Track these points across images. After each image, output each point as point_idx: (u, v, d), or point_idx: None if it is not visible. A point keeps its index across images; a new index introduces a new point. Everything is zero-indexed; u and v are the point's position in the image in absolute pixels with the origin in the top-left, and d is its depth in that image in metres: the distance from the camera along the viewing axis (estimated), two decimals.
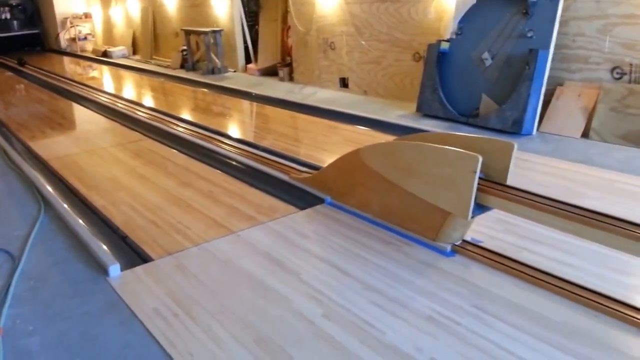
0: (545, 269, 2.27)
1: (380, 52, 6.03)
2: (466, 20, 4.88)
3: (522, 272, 2.26)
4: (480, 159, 2.24)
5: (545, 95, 4.44)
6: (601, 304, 2.01)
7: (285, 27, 7.87)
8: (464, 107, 4.82)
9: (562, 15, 4.24)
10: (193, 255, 2.57)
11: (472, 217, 2.38)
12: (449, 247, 2.50)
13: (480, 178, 2.44)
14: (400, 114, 5.26)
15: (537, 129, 4.37)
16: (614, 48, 4.06)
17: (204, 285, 2.29)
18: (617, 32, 4.03)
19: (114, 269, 2.39)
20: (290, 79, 7.52)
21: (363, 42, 6.18)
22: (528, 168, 3.57)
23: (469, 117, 4.71)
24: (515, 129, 4.28)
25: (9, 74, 10.21)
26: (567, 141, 4.12)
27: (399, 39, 5.78)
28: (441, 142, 2.59)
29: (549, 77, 4.44)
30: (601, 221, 1.96)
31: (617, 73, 4.05)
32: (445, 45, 4.97)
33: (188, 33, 9.11)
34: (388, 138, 4.49)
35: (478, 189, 2.33)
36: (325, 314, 2.06)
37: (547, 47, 4.19)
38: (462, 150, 2.32)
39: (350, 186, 2.99)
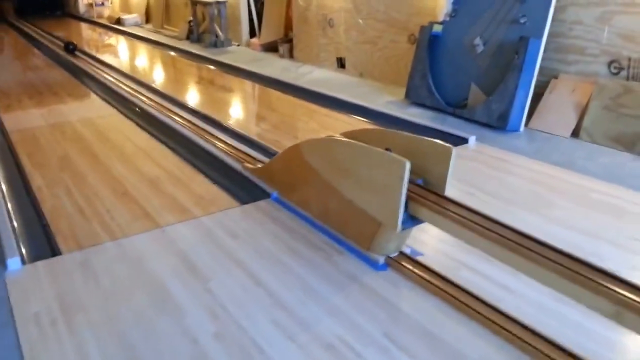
0: (479, 293, 1.98)
1: (376, 32, 5.66)
2: (461, 1, 4.47)
3: (451, 295, 1.99)
4: (408, 164, 1.94)
5: (538, 87, 4.05)
6: (527, 343, 1.73)
7: (291, 1, 7.51)
8: (453, 96, 4.46)
9: (559, 0, 3.82)
10: (104, 251, 2.35)
11: (403, 229, 2.11)
12: (381, 260, 2.24)
13: (417, 185, 2.15)
14: (389, 100, 4.92)
15: (526, 125, 4.01)
16: (612, 39, 3.64)
17: (99, 289, 2.07)
18: (616, 21, 3.59)
19: (13, 262, 2.20)
20: (291, 56, 7.20)
21: (360, 21, 5.81)
22: (501, 169, 3.24)
23: (456, 107, 4.36)
24: (501, 123, 3.92)
25: (22, 40, 10.12)
26: (555, 141, 3.75)
27: (395, 19, 5.39)
28: (381, 141, 2.30)
29: (543, 68, 4.04)
30: (530, 249, 1.66)
31: (615, 67, 3.63)
32: (437, 28, 4.58)
33: (194, 3, 8.80)
34: (366, 126, 4.20)
35: (410, 198, 2.05)
36: (218, 332, 1.83)
37: (540, 36, 3.79)
38: (389, 153, 2.02)
39: (293, 182, 2.73)
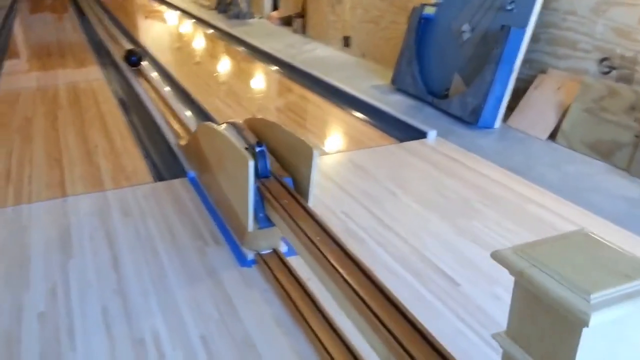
0: (324, 305, 1.81)
1: (379, 12, 5.34)
2: None
3: (296, 303, 1.83)
4: (252, 163, 1.77)
5: (526, 82, 3.68)
6: None
7: None
8: (437, 85, 4.14)
9: None
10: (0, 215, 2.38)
11: (261, 228, 1.96)
12: (250, 256, 2.10)
13: (282, 184, 1.98)
14: (375, 84, 4.65)
15: (504, 122, 3.67)
16: (606, 34, 3.21)
17: None
18: (612, 14, 3.16)
19: None
20: (303, 31, 6.99)
21: None
22: (446, 169, 2.96)
23: (438, 97, 4.05)
24: (472, 119, 3.60)
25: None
26: (526, 142, 3.39)
27: None
28: (264, 131, 2.14)
29: (533, 61, 3.66)
30: (340, 272, 1.46)
31: (606, 66, 3.21)
32: (429, 11, 4.25)
33: None
34: (334, 110, 4.01)
35: (266, 199, 1.89)
36: (44, 313, 1.77)
37: (524, 25, 3.41)
38: (238, 146, 1.86)
39: (200, 164, 2.62)
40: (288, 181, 1.97)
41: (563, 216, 2.48)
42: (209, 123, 2.30)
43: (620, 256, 0.81)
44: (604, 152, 3.10)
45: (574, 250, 0.84)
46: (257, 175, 1.93)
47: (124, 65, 5.00)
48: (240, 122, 2.41)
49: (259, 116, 3.18)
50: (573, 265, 0.79)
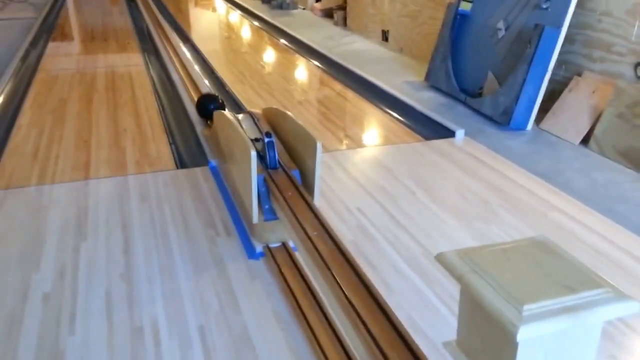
0: (324, 304, 1.73)
1: (417, 7, 5.16)
2: None
3: (297, 299, 1.75)
4: (254, 154, 1.70)
5: (561, 84, 3.46)
6: None
7: None
8: (471, 83, 3.96)
9: None
10: (23, 195, 2.40)
11: (267, 220, 1.89)
12: (259, 248, 2.04)
13: (288, 176, 1.90)
14: (409, 80, 4.49)
15: (537, 124, 3.46)
16: None
17: None
18: None
19: None
20: (344, 24, 6.86)
21: None
22: (470, 170, 2.80)
23: (471, 96, 3.87)
24: (504, 119, 3.41)
25: None
26: (557, 146, 3.19)
27: None
28: (278, 121, 2.06)
29: (569, 63, 3.43)
30: (333, 273, 1.38)
31: None
32: (465, 7, 4.05)
33: None
34: (363, 106, 3.89)
35: (270, 191, 1.82)
36: (49, 294, 1.76)
37: (560, 25, 3.19)
38: (244, 135, 1.79)
39: (220, 153, 2.57)
40: (295, 174, 1.90)
41: (586, 225, 2.31)
42: (223, 111, 2.25)
43: (571, 268, 0.71)
44: (635, 160, 2.87)
45: (523, 257, 0.74)
46: (266, 166, 1.86)
47: (164, 53, 5.03)
48: (258, 112, 2.34)
49: (289, 109, 3.12)
50: (515, 273, 0.70)
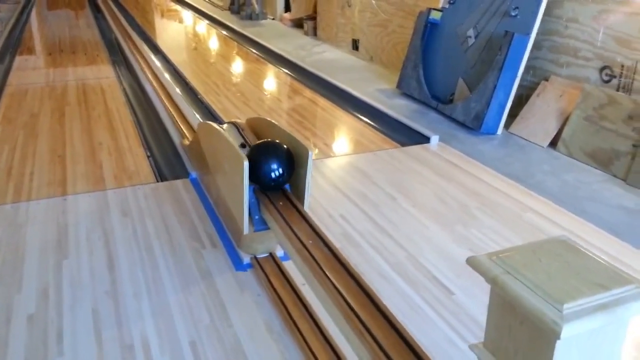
0: (318, 310, 1.74)
1: (387, 15, 5.24)
2: None
3: (288, 308, 1.76)
4: (247, 164, 1.70)
5: (529, 89, 3.57)
6: None
7: None
8: (442, 90, 4.04)
9: None
10: None
11: (257, 231, 1.89)
12: (246, 259, 2.03)
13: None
14: (381, 88, 4.55)
15: (507, 129, 3.56)
16: (607, 42, 3.09)
17: None
18: (612, 22, 3.04)
19: None
20: (314, 33, 6.90)
21: (373, 1, 5.41)
22: (447, 175, 2.85)
23: (442, 102, 3.95)
24: (475, 124, 3.50)
25: None
26: (527, 149, 3.29)
27: (404, 2, 4.95)
28: (264, 131, 2.06)
29: (536, 69, 3.55)
30: (329, 278, 1.39)
31: (607, 75, 3.10)
32: (435, 15, 4.14)
33: None
34: (340, 113, 3.92)
35: (262, 201, 1.82)
36: (34, 315, 1.71)
37: (528, 32, 3.30)
38: (234, 146, 1.79)
39: (200, 164, 2.55)
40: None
41: (560, 225, 2.38)
42: (208, 122, 2.23)
43: (597, 265, 0.74)
44: (602, 160, 2.99)
45: (551, 257, 0.77)
46: None
47: (135, 64, 4.95)
48: (242, 122, 2.33)
49: (266, 117, 3.11)
50: (548, 273, 0.72)
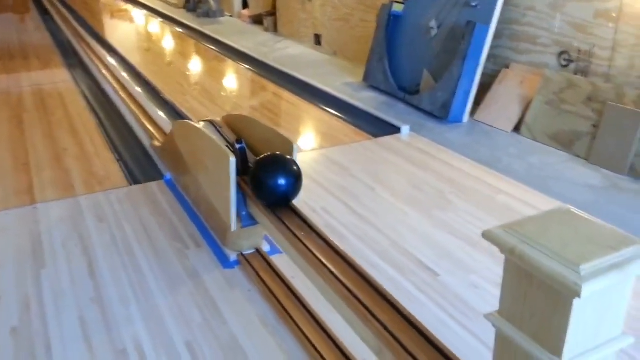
0: (310, 302, 1.76)
1: (348, 10, 5.30)
2: None
3: (281, 301, 1.78)
4: (233, 160, 1.71)
5: (491, 77, 3.70)
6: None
7: None
8: (408, 81, 4.13)
9: None
10: None
11: (245, 227, 1.89)
12: (233, 256, 2.03)
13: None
14: (348, 82, 4.60)
15: (473, 116, 3.68)
16: (564, 28, 3.25)
17: None
18: (568, 9, 3.19)
19: None
20: (275, 29, 6.89)
21: None
22: (419, 163, 2.93)
23: (409, 93, 4.04)
24: (443, 113, 3.60)
25: None
26: (492, 135, 3.41)
27: None
28: (242, 128, 2.07)
29: (497, 57, 3.68)
30: (327, 266, 1.42)
31: (565, 60, 3.26)
32: (397, 8, 4.22)
33: None
34: (310, 107, 3.95)
35: (247, 196, 1.83)
36: (17, 328, 1.66)
37: (489, 21, 3.42)
38: (219, 143, 1.79)
39: (176, 165, 2.53)
40: None
41: (531, 204, 2.49)
42: (186, 121, 2.21)
43: (603, 230, 0.82)
44: (564, 142, 3.14)
45: (559, 226, 0.84)
46: (237, 173, 1.86)
47: (92, 67, 4.82)
48: (218, 119, 2.32)
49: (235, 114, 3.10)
50: (560, 240, 0.79)
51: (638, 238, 0.79)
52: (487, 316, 0.87)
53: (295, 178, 1.74)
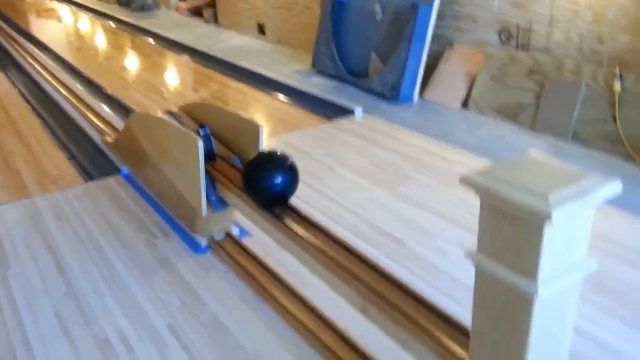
0: (288, 278, 1.84)
1: None
2: None
3: (258, 280, 1.84)
4: (201, 143, 1.74)
5: (436, 57, 3.88)
6: (316, 336, 1.60)
7: None
8: (356, 65, 4.24)
9: None
10: None
11: (214, 211, 1.93)
12: (203, 242, 2.07)
13: (231, 164, 1.96)
14: (296, 69, 4.67)
15: (422, 96, 3.85)
16: (503, 7, 3.46)
17: None
18: None
19: None
20: (216, 21, 6.83)
21: None
22: (377, 142, 3.05)
23: (358, 77, 4.16)
24: (393, 94, 3.74)
25: None
26: (442, 112, 3.59)
27: None
28: (203, 116, 2.09)
29: (441, 37, 3.86)
30: (303, 237, 1.50)
31: (505, 36, 3.47)
32: None
33: None
34: (260, 96, 3.99)
35: (217, 180, 1.87)
36: None
37: (431, 3, 3.58)
38: (184, 129, 1.83)
39: (135, 158, 2.51)
40: (236, 161, 1.95)
41: None
42: (145, 113, 2.20)
43: (565, 168, 0.94)
44: (510, 114, 3.35)
45: (527, 168, 0.95)
46: (205, 158, 1.89)
47: (28, 67, 4.63)
48: (175, 110, 2.33)
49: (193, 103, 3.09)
50: (529, 177, 0.90)
51: (595, 173, 0.91)
52: (467, 254, 0.97)
53: (293, 176, 1.65)
